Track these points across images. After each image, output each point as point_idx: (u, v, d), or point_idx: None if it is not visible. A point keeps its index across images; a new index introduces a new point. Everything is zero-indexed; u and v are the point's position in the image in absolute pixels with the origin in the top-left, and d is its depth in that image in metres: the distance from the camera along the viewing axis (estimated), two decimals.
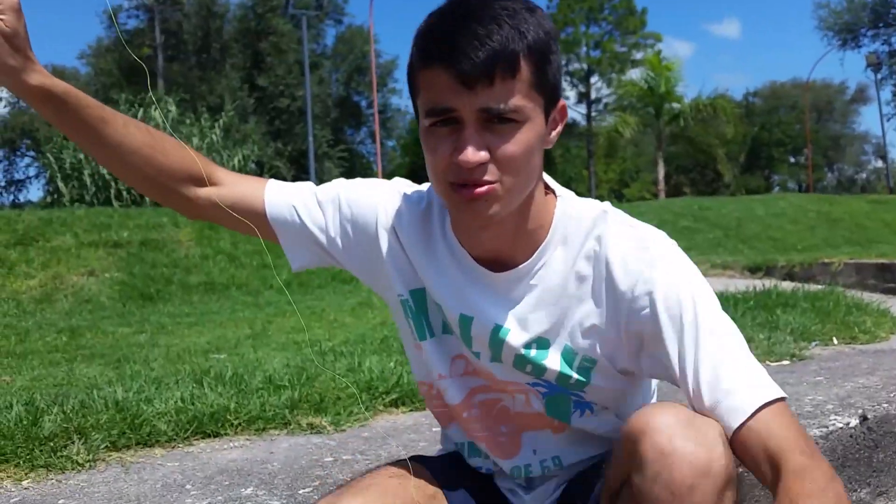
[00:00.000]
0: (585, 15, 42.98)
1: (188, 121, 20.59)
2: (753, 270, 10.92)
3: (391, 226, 1.27)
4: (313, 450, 2.39)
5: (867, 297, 5.19)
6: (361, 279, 1.36)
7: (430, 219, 1.26)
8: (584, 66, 44.54)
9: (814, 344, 3.85)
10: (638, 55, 42.10)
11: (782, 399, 1.03)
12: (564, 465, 1.29)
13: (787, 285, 5.80)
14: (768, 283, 6.12)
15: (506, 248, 1.18)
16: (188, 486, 2.00)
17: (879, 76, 35.38)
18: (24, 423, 2.79)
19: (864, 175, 58.44)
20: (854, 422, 2.27)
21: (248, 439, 2.64)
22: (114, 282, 8.82)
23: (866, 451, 2.27)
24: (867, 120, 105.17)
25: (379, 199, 1.28)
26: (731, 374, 1.03)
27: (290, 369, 3.48)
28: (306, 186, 1.33)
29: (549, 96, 1.08)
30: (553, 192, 1.21)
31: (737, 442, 1.00)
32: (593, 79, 45.53)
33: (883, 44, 37.15)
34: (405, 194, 1.29)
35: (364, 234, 1.28)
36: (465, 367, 1.27)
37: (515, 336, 1.18)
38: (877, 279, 9.02)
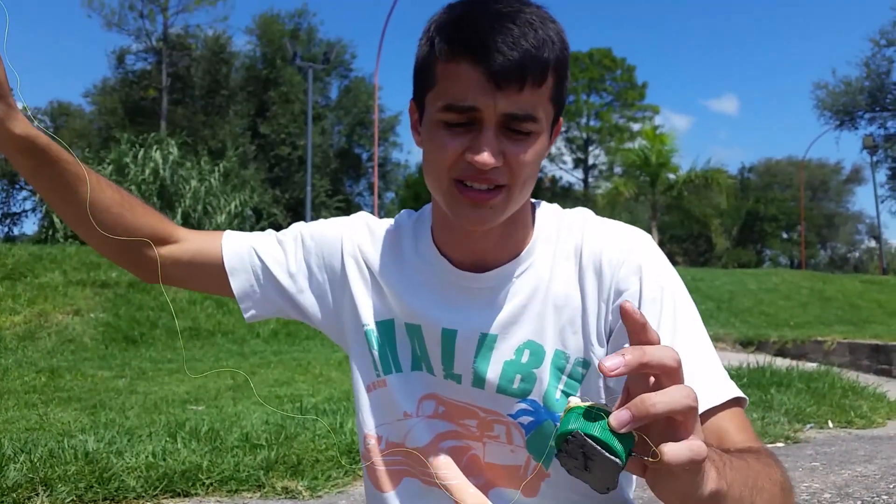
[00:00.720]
0: (587, 85, 43.92)
1: (188, 163, 20.67)
2: (745, 344, 10.86)
3: (358, 253, 1.23)
4: None
5: (863, 379, 5.11)
6: (318, 324, 1.27)
7: (399, 240, 1.21)
8: (584, 134, 45.34)
9: (808, 426, 3.77)
10: (636, 127, 42.95)
11: (742, 400, 1.01)
12: None
13: (780, 362, 5.73)
14: (761, 358, 6.04)
15: (492, 251, 1.13)
16: None
17: (875, 158, 35.95)
18: None
19: (856, 254, 58.84)
20: None
21: (218, 501, 2.54)
22: (98, 322, 8.69)
23: None
24: (861, 200, 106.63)
25: (343, 229, 1.25)
26: (698, 369, 1.00)
27: (268, 427, 3.37)
28: (266, 232, 1.30)
29: (558, 111, 1.06)
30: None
31: None
32: (591, 146, 46.29)
33: (879, 127, 37.81)
34: (369, 223, 1.26)
35: (328, 266, 1.24)
36: (435, 409, 1.18)
37: (504, 342, 1.12)
38: (870, 360, 8.95)
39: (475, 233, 1.10)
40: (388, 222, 1.27)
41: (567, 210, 1.19)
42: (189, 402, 4.43)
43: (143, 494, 2.60)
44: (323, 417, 3.63)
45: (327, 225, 1.27)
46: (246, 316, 1.29)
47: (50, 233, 17.11)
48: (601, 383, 1.12)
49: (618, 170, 40.71)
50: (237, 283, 1.25)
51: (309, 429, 3.30)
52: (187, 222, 19.40)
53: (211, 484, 2.74)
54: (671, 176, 25.45)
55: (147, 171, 19.30)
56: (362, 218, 1.27)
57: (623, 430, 0.69)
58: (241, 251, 1.25)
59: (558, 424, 0.74)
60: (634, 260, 1.08)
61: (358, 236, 1.24)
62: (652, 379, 0.73)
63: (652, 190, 25.42)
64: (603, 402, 0.83)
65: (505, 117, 0.98)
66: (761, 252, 53.17)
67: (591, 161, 47.01)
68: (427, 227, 1.20)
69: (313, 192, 23.99)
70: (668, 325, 1.04)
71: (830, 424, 3.86)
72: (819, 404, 4.08)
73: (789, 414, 3.85)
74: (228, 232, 1.29)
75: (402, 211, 1.29)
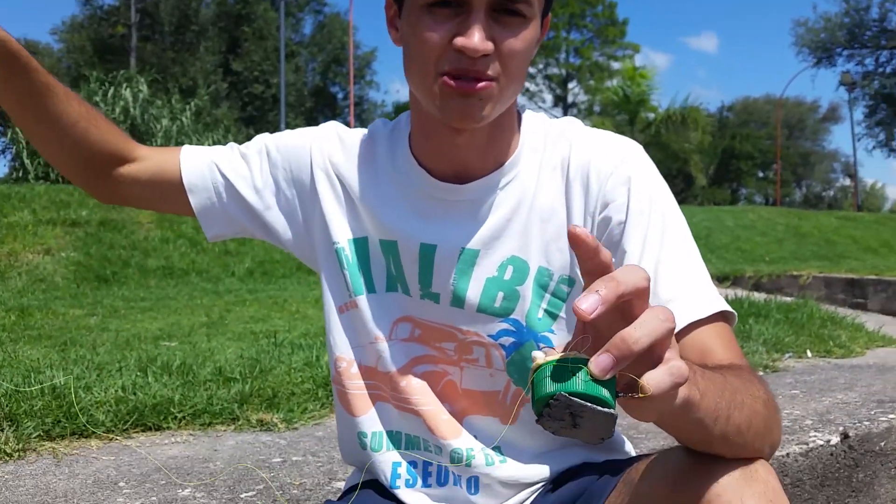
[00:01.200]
0: (567, 20, 43.28)
1: (159, 102, 20.18)
2: (721, 280, 10.95)
3: (328, 165, 1.15)
4: (261, 448, 2.23)
5: (841, 311, 5.14)
6: (286, 244, 1.20)
7: (373, 150, 1.14)
8: (563, 71, 44.89)
9: (787, 356, 3.77)
10: (616, 65, 42.65)
11: (730, 316, 0.99)
12: (508, 458, 1.11)
13: (758, 296, 5.75)
14: (738, 292, 6.07)
15: (475, 160, 1.06)
16: (121, 484, 1.84)
17: (852, 96, 35.92)
18: None
19: (831, 192, 59.50)
20: (835, 439, 2.17)
21: (191, 434, 2.47)
22: (69, 262, 8.54)
23: (846, 471, 2.17)
24: (837, 139, 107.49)
25: (312, 140, 1.17)
26: (685, 282, 0.98)
27: (242, 361, 3.31)
28: (228, 145, 1.22)
29: (549, 4, 1.01)
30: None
31: None
32: (571, 84, 45.91)
33: (857, 64, 37.75)
34: (340, 133, 1.18)
35: (297, 179, 1.16)
36: (411, 332, 1.12)
37: (486, 258, 1.07)
38: (845, 294, 9.06)
39: (460, 135, 1.02)
40: (361, 132, 1.18)
41: (555, 119, 1.12)
42: (161, 339, 4.35)
43: (113, 429, 2.53)
44: (298, 352, 3.57)
45: (295, 135, 1.19)
46: (208, 235, 1.21)
47: (21, 173, 16.72)
48: None
49: (597, 108, 40.59)
50: (197, 201, 1.17)
51: (284, 362, 3.24)
52: None
53: (183, 417, 2.67)
54: (650, 115, 25.41)
55: (117, 110, 18.80)
56: (333, 127, 1.19)
57: (607, 377, 0.62)
58: (201, 167, 1.17)
59: (531, 391, 0.64)
60: (624, 171, 1.03)
61: (328, 147, 1.16)
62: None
63: (630, 128, 25.36)
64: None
65: None
66: (737, 191, 53.66)
67: (570, 99, 46.67)
68: (404, 137, 1.12)
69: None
70: (655, 237, 1.00)
71: (809, 354, 3.87)
72: (798, 334, 4.09)
73: (767, 343, 3.86)
74: (187, 147, 1.20)
75: (377, 120, 1.20)
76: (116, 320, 5.29)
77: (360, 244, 1.13)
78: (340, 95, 38.66)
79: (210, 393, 2.81)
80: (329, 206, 1.14)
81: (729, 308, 0.98)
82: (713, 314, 0.96)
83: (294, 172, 1.16)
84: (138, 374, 3.03)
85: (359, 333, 1.14)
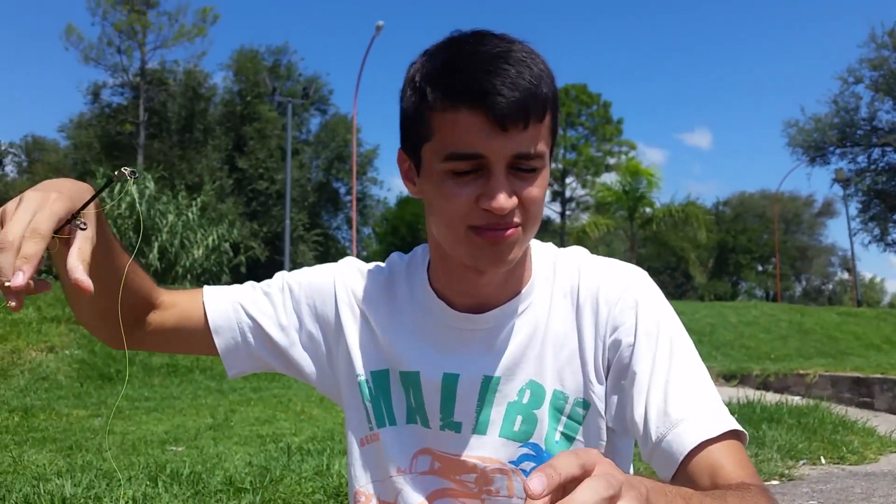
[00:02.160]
0: (563, 119, 44.47)
1: (164, 197, 20.51)
2: (728, 378, 10.87)
3: (352, 299, 1.17)
4: None
5: (852, 413, 5.09)
6: (309, 378, 1.20)
7: (392, 285, 1.17)
8: (560, 166, 45.79)
9: (801, 462, 3.72)
10: (612, 160, 43.48)
11: (741, 435, 0.98)
12: None
13: (770, 397, 5.70)
14: (745, 392, 6.02)
15: (494, 292, 1.10)
16: None
17: (847, 192, 36.46)
18: None
19: (830, 286, 59.59)
20: None
21: None
22: (73, 359, 8.48)
23: None
24: (834, 233, 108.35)
25: (335, 275, 1.20)
26: (694, 402, 0.99)
27: (252, 469, 3.26)
28: (248, 284, 1.23)
29: (554, 143, 1.05)
30: None
31: (687, 465, 0.95)
32: (568, 179, 46.73)
33: (850, 161, 38.42)
34: (360, 268, 1.21)
35: (321, 315, 1.18)
36: (430, 465, 1.12)
37: (507, 383, 1.09)
38: (852, 393, 8.99)
39: (484, 275, 1.06)
40: (380, 266, 1.22)
41: (562, 249, 1.18)
42: (168, 443, 4.29)
43: None
44: (308, 459, 3.53)
45: (316, 273, 1.22)
46: (230, 373, 1.22)
47: None
48: (603, 424, 1.08)
49: (591, 200, 41.14)
50: (221, 342, 1.18)
51: (294, 471, 3.20)
52: (164, 256, 19.18)
53: None
54: (648, 210, 25.69)
55: (123, 206, 19.10)
56: (352, 263, 1.22)
57: None
58: (226, 308, 1.18)
59: None
60: (631, 296, 1.07)
61: (350, 282, 1.19)
62: None
63: (630, 223, 25.62)
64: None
65: (514, 158, 0.95)
66: (737, 284, 53.73)
67: (568, 194, 47.39)
68: (422, 271, 1.16)
69: (291, 225, 23.87)
70: (663, 358, 1.02)
71: (823, 460, 3.82)
72: (810, 440, 4.05)
73: (782, 450, 3.81)
74: (209, 289, 1.21)
75: (393, 254, 1.24)
76: (122, 422, 5.22)
77: (382, 376, 1.15)
78: (343, 191, 39.31)
79: None
80: (353, 339, 1.16)
81: (739, 427, 0.98)
82: (724, 433, 0.96)
83: (318, 308, 1.18)
84: (147, 483, 2.99)
85: (378, 467, 1.15)
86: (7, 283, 0.81)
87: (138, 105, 33.95)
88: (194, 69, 34.83)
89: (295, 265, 31.46)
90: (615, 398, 1.06)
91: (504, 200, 0.95)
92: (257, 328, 1.18)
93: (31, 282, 0.82)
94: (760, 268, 53.55)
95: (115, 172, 0.93)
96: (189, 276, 19.15)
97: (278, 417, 5.58)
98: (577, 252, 1.16)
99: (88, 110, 36.03)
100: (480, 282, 1.08)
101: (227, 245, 22.68)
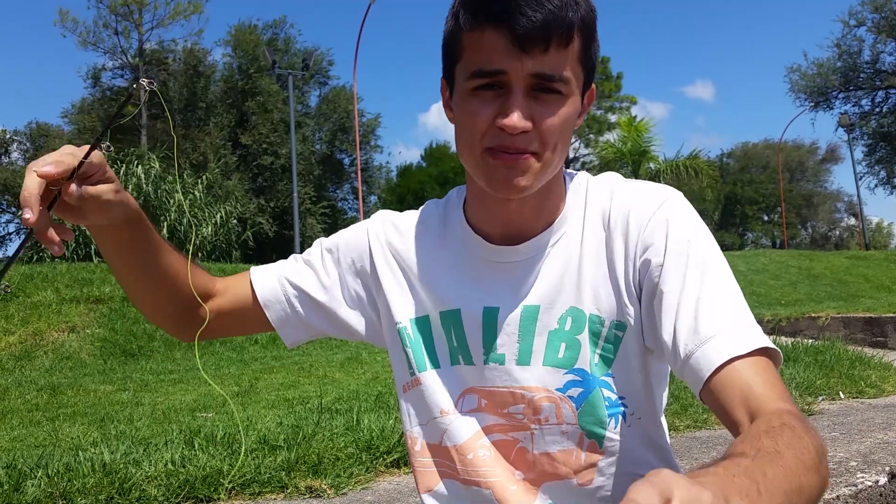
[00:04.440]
0: None
1: (170, 177, 20.54)
2: None
3: (386, 249, 1.22)
4: None
5: (866, 352, 5.15)
6: (361, 336, 1.26)
7: (427, 229, 1.21)
8: None
9: (820, 398, 3.78)
10: (613, 118, 43.21)
11: (774, 353, 0.96)
12: None
13: (783, 341, 5.76)
14: None
15: (527, 223, 1.12)
16: None
17: (852, 136, 36.20)
18: (6, 487, 2.63)
19: (837, 232, 59.40)
20: (883, 479, 2.18)
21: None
22: (95, 338, 8.60)
23: None
24: (839, 178, 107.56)
25: (367, 229, 1.24)
26: (725, 319, 0.97)
27: (284, 428, 3.34)
28: (290, 257, 1.29)
29: (588, 74, 1.05)
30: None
31: (715, 382, 0.93)
32: (571, 138, 46.62)
33: (853, 105, 38.09)
34: (392, 219, 1.25)
35: (359, 270, 1.23)
36: (478, 403, 1.15)
37: (547, 312, 1.11)
38: (864, 333, 9.02)
39: (511, 202, 1.09)
40: (414, 214, 1.26)
41: (596, 176, 1.19)
42: (197, 410, 4.39)
43: (165, 502, 2.57)
44: (337, 417, 3.61)
45: (350, 231, 1.27)
46: (287, 343, 1.29)
47: (37, 253, 16.92)
48: (639, 346, 1.10)
49: (595, 161, 40.94)
50: (273, 315, 1.25)
51: (325, 428, 3.28)
52: (174, 236, 19.26)
53: (233, 488, 2.71)
54: (652, 166, 25.55)
55: (129, 187, 19.15)
56: (385, 215, 1.27)
57: None
58: (272, 283, 1.25)
59: None
60: (661, 215, 1.07)
61: (383, 233, 1.23)
62: None
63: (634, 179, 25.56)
64: None
65: (533, 78, 0.97)
66: (744, 234, 53.61)
67: (571, 154, 47.26)
68: (458, 208, 1.19)
69: (298, 199, 23.88)
70: (694, 276, 1.02)
71: (842, 395, 3.88)
72: (828, 377, 4.10)
73: (800, 387, 3.87)
74: (255, 269, 1.28)
75: (429, 201, 1.28)
76: (149, 394, 5.32)
77: (422, 322, 1.18)
78: (347, 162, 39.21)
79: (257, 462, 2.85)
80: (390, 288, 1.20)
81: (772, 345, 0.96)
82: (755, 350, 0.94)
83: (357, 264, 1.23)
84: (184, 446, 3.08)
85: (423, 411, 1.19)
86: (38, 179, 0.91)
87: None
88: (193, 47, 34.57)
89: (304, 238, 31.55)
90: (649, 318, 1.07)
91: (518, 120, 0.97)
92: (304, 296, 1.23)
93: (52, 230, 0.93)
94: (766, 217, 53.38)
95: (134, 85, 1.00)
96: (200, 254, 19.24)
97: (302, 382, 5.67)
98: (611, 177, 1.17)
99: (90, 94, 35.92)
100: (511, 211, 1.10)
101: (235, 220, 22.76)
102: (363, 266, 1.23)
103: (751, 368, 0.93)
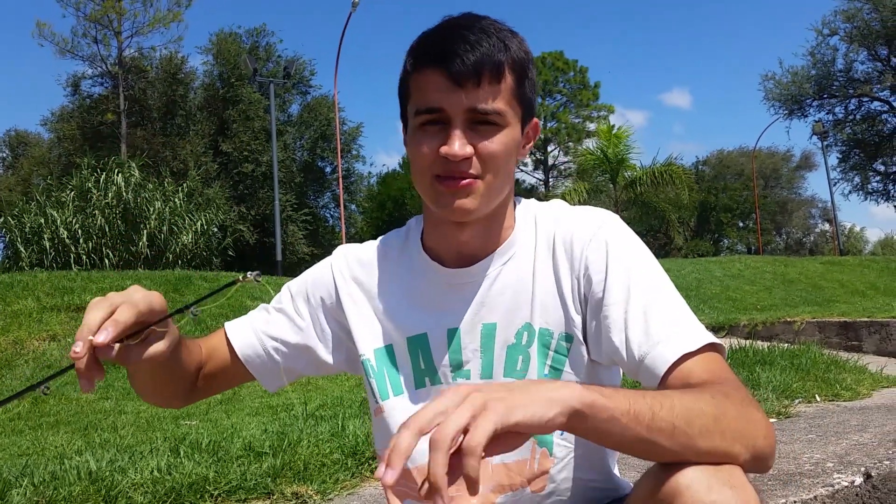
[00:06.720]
0: (541, 88, 44.39)
1: (150, 185, 20.40)
2: (717, 330, 11.01)
3: (351, 283, 1.30)
4: None
5: (843, 354, 5.24)
6: (341, 369, 1.34)
7: (388, 257, 1.30)
8: (542, 135, 45.84)
9: (797, 401, 3.86)
10: (591, 126, 43.55)
11: (718, 347, 1.07)
12: None
13: (760, 344, 5.84)
14: (737, 341, 6.16)
15: (479, 246, 1.21)
16: None
17: (826, 143, 36.66)
18: None
19: (811, 238, 60.10)
20: (858, 480, 2.24)
21: None
22: None
23: None
24: (813, 185, 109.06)
25: (331, 265, 1.33)
26: (675, 321, 1.08)
27: (269, 435, 3.36)
28: (259, 307, 1.36)
29: (526, 109, 1.16)
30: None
31: (672, 378, 1.03)
32: (550, 147, 46.79)
33: (827, 113, 38.60)
34: (354, 253, 1.33)
35: (327, 308, 1.31)
36: None
37: (504, 328, 1.20)
38: (840, 337, 9.15)
39: (463, 228, 1.18)
40: (374, 245, 1.35)
41: (543, 202, 1.31)
42: (181, 418, 4.38)
43: None
44: (322, 423, 3.63)
45: (315, 270, 1.35)
46: (270, 389, 1.38)
47: (14, 261, 16.75)
48: (585, 353, 1.18)
49: (573, 167, 41.21)
50: (253, 368, 1.32)
51: (310, 433, 3.29)
52: (153, 244, 19.11)
53: (219, 494, 2.72)
54: (628, 174, 25.73)
55: (110, 195, 19.01)
56: (346, 250, 1.36)
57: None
58: (249, 339, 1.32)
59: None
60: (601, 236, 1.18)
61: (348, 268, 1.32)
62: None
63: (612, 187, 25.69)
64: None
65: (469, 111, 1.09)
66: (719, 241, 54.12)
67: (550, 161, 47.50)
68: (416, 237, 1.29)
69: (279, 206, 23.79)
70: (639, 287, 1.12)
71: (818, 398, 3.95)
72: (804, 380, 4.18)
73: (777, 390, 3.94)
74: (229, 325, 1.34)
75: (389, 232, 1.37)
76: (131, 402, 5.30)
77: (387, 352, 1.27)
78: (328, 170, 39.10)
79: (243, 469, 2.86)
80: (354, 321, 1.28)
81: (717, 340, 1.07)
82: (703, 346, 1.05)
83: (326, 301, 1.31)
84: (170, 453, 3.08)
85: (388, 435, 1.24)
86: (90, 338, 0.93)
87: (118, 94, 33.50)
88: (172, 54, 34.38)
89: (286, 246, 31.41)
90: (595, 330, 1.16)
91: (458, 148, 1.08)
92: (282, 344, 1.31)
93: (112, 348, 0.95)
94: (741, 224, 53.94)
95: (241, 277, 1.06)
96: (179, 262, 19.10)
97: (285, 390, 5.68)
98: (556, 204, 1.29)
99: (69, 102, 35.55)
100: (462, 236, 1.20)
101: (215, 228, 22.64)
102: (332, 302, 1.31)
103: (697, 362, 1.04)
